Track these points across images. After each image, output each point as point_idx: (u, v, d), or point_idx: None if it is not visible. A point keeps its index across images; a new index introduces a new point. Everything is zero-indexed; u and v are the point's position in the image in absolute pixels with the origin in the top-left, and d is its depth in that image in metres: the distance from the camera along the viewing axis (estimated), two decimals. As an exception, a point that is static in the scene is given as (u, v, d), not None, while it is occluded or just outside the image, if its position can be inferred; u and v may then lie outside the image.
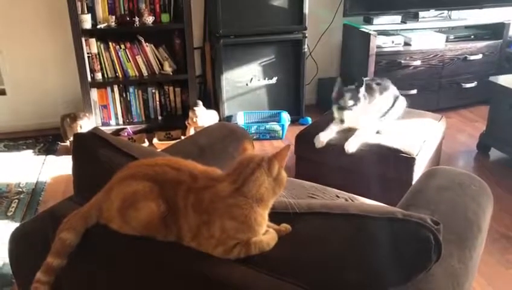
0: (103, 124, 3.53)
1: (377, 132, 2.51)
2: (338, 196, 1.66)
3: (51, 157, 3.28)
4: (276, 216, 0.99)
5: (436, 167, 1.70)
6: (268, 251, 0.93)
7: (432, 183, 1.35)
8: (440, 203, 1.24)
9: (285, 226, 0.97)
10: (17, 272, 1.32)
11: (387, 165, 2.36)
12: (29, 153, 3.35)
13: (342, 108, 2.46)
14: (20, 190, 2.84)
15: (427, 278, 0.97)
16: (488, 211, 1.31)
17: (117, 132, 3.45)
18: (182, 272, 0.92)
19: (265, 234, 0.96)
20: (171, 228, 0.97)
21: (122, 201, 0.98)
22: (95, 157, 1.21)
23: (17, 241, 1.24)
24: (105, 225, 1.01)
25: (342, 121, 2.50)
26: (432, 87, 3.87)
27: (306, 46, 3.65)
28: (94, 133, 1.25)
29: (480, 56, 3.90)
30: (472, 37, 3.98)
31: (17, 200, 2.72)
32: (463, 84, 3.93)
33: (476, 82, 3.94)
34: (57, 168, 3.12)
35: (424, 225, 0.86)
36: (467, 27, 4.08)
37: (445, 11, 3.97)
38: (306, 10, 3.52)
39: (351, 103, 2.42)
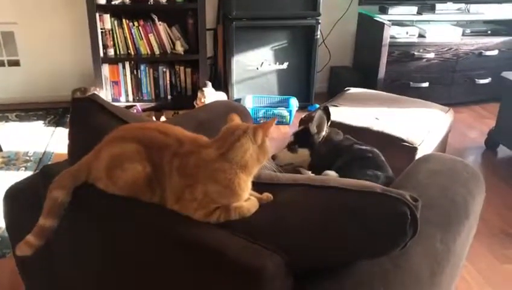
0: (113, 100, 3.57)
1: (376, 118, 2.48)
2: (333, 178, 1.66)
3: (60, 129, 3.33)
4: (260, 186, 1.01)
5: (432, 153, 1.69)
6: (248, 217, 0.94)
7: (424, 167, 1.34)
8: (429, 187, 1.24)
9: (267, 195, 0.99)
10: (11, 232, 1.35)
11: (388, 154, 2.33)
12: (39, 124, 3.41)
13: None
14: (28, 158, 2.89)
15: (406, 255, 0.98)
16: (479, 198, 1.31)
17: (126, 109, 3.48)
18: (160, 233, 0.94)
19: (247, 201, 0.97)
20: (155, 190, 0.99)
21: (110, 161, 1.01)
22: (91, 121, 1.23)
23: (10, 201, 1.27)
24: (93, 184, 1.04)
25: None
26: (445, 81, 3.82)
27: (319, 32, 3.63)
28: (92, 99, 1.27)
29: (496, 52, 3.83)
30: (489, 32, 3.91)
31: (24, 168, 2.77)
32: (476, 80, 3.87)
33: (490, 78, 3.88)
34: (65, 140, 3.13)
35: (401, 200, 0.87)
36: (484, 22, 4.01)
37: (463, 5, 3.90)
38: (321, -4, 3.50)
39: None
